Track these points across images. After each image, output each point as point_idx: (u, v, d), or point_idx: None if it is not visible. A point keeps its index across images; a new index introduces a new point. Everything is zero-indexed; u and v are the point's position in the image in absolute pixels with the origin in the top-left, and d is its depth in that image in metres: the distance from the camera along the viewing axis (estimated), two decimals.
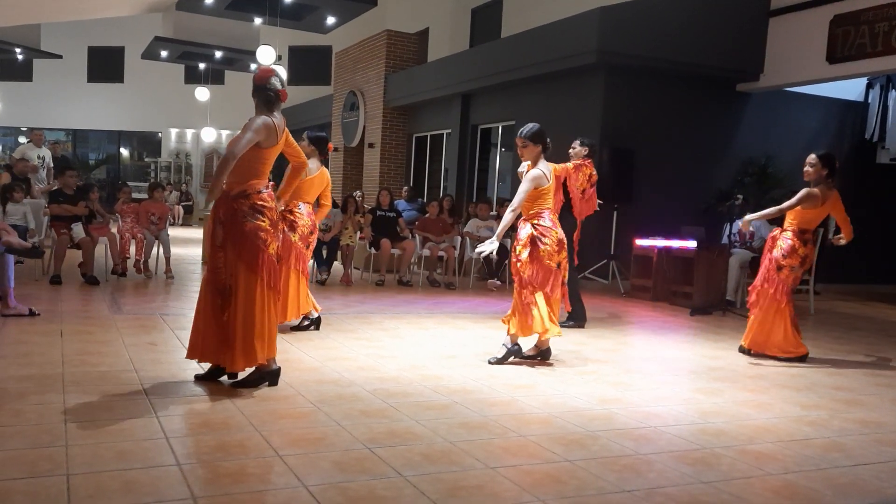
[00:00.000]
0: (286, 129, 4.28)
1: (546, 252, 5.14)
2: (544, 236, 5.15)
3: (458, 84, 13.29)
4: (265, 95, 4.11)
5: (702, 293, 8.53)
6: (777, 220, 6.19)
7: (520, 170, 5.34)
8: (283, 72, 14.23)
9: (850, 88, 11.83)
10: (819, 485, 3.14)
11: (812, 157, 5.85)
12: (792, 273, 5.81)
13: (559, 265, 5.19)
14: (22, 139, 21.54)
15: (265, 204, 4.06)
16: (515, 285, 5.26)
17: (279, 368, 4.27)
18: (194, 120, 23.63)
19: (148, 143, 26.50)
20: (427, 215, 10.13)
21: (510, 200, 5.66)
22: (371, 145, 16.54)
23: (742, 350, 6.01)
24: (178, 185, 22.24)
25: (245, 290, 4.05)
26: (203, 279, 4.24)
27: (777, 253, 5.85)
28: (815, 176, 5.80)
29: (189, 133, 25.05)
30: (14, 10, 14.45)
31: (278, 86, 4.13)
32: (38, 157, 10.58)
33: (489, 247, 4.97)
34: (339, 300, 7.85)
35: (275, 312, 4.20)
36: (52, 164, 11.20)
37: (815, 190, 5.77)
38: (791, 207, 5.82)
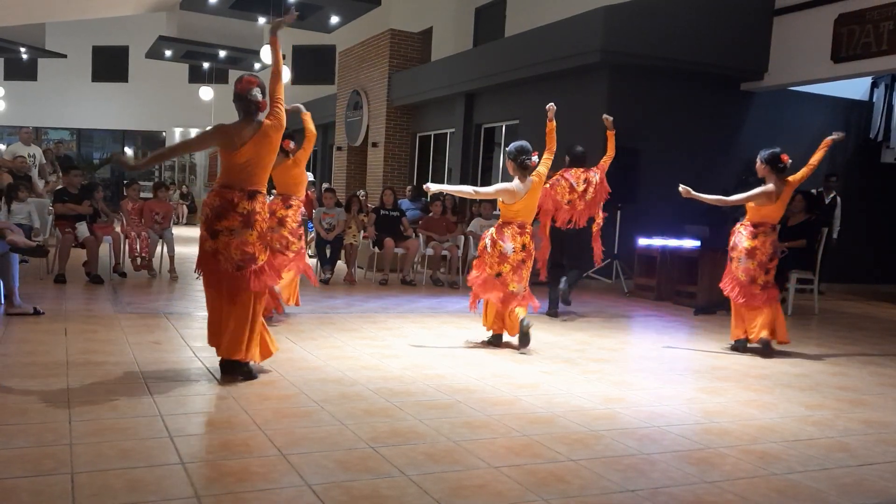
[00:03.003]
0: (273, 129, 4.28)
1: (489, 261, 5.59)
2: (493, 245, 5.59)
3: (462, 83, 13.28)
4: (246, 105, 4.27)
5: (705, 293, 8.51)
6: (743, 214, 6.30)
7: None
8: (287, 72, 14.26)
9: (855, 88, 11.80)
10: (823, 485, 3.13)
11: (758, 157, 6.02)
12: (740, 265, 5.94)
13: (499, 275, 5.55)
14: None
15: (205, 201, 4.26)
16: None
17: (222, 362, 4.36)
18: (198, 119, 23.66)
19: (152, 142, 26.55)
20: (430, 214, 10.13)
21: None
22: (375, 144, 16.55)
23: (739, 346, 6.04)
24: (180, 185, 22.27)
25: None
26: None
27: (731, 244, 6.06)
28: (763, 173, 5.96)
29: (193, 132, 25.00)
30: (19, 10, 14.49)
31: (259, 97, 4.28)
32: (29, 156, 10.55)
33: (434, 187, 5.45)
34: (343, 299, 7.85)
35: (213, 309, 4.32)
36: (43, 161, 11.16)
37: (771, 186, 5.88)
38: (741, 202, 6.02)
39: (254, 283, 4.23)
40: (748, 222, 6.00)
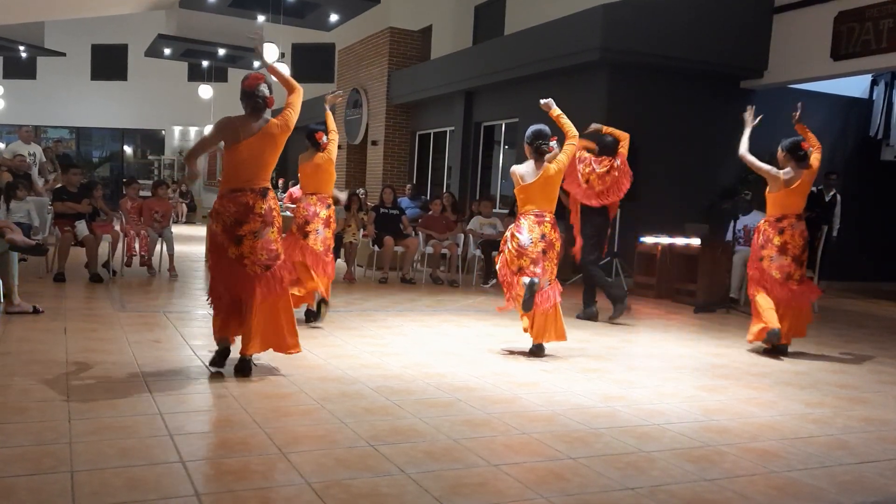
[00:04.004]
0: (278, 128, 4.30)
1: (508, 257, 5.39)
2: (511, 239, 5.39)
3: (462, 81, 13.27)
4: (254, 102, 4.29)
5: (705, 291, 8.52)
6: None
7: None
8: (286, 69, 14.26)
9: (855, 85, 11.79)
10: (823, 482, 3.13)
11: (779, 148, 6.09)
12: (773, 263, 5.84)
13: (520, 269, 5.33)
14: None
15: (218, 209, 4.27)
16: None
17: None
18: (197, 117, 23.65)
19: (151, 140, 26.54)
20: (430, 213, 10.13)
21: (514, 198, 5.71)
22: (374, 143, 16.53)
23: (773, 348, 5.89)
24: (180, 183, 22.27)
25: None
26: None
27: (757, 244, 5.96)
28: (783, 163, 5.98)
29: (192, 131, 25.06)
30: (18, 8, 14.47)
31: (266, 93, 4.29)
32: (29, 154, 10.55)
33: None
34: (343, 298, 7.85)
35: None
36: (43, 159, 11.18)
37: (781, 172, 5.88)
38: (754, 166, 6.06)
39: (284, 280, 4.37)
40: (771, 217, 5.92)
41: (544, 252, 5.34)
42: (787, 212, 5.88)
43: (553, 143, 5.43)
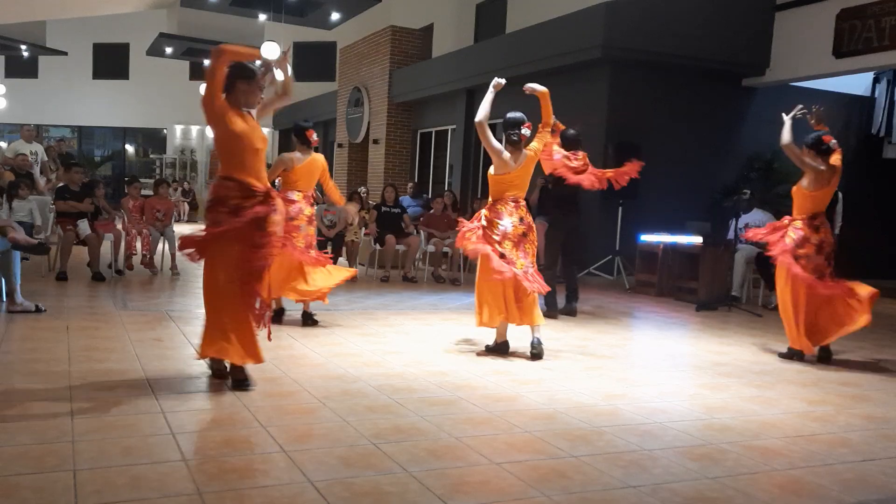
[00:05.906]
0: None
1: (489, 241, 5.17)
2: (490, 225, 5.20)
3: (463, 79, 13.27)
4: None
5: (707, 289, 8.52)
6: (787, 211, 6.00)
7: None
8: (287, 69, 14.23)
9: (857, 83, 11.76)
10: (825, 480, 3.13)
11: (802, 146, 5.74)
12: (810, 262, 5.56)
13: (502, 256, 5.14)
14: None
15: (228, 194, 4.03)
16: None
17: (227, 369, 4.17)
18: (199, 116, 23.23)
19: (153, 139, 26.56)
20: (432, 211, 10.13)
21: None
22: (376, 141, 16.53)
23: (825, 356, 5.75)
24: (181, 182, 22.28)
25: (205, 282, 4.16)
26: None
27: (790, 244, 5.62)
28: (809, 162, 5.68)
29: (194, 129, 25.09)
30: (20, 7, 14.49)
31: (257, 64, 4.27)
32: (31, 153, 10.58)
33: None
34: (344, 296, 7.85)
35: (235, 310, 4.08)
36: (45, 158, 11.21)
37: (823, 167, 5.61)
38: (794, 153, 5.69)
39: None
40: (804, 216, 5.65)
41: (525, 234, 5.24)
42: (818, 210, 5.67)
43: (525, 131, 5.35)
